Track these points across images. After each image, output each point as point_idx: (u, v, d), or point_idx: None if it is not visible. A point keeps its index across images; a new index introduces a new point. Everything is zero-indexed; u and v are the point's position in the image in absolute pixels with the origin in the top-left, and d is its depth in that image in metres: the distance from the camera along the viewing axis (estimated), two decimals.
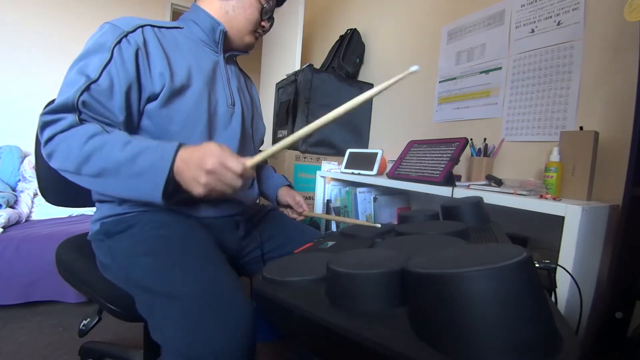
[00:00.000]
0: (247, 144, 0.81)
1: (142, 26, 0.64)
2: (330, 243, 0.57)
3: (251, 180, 0.85)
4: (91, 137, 0.55)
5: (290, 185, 0.97)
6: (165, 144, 0.56)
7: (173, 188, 0.55)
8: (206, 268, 0.55)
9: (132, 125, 0.64)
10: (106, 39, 0.60)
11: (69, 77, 0.58)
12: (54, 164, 0.57)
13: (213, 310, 0.48)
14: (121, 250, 0.61)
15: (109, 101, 0.59)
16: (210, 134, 0.71)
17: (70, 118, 0.56)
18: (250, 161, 0.54)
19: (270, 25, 0.81)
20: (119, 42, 0.60)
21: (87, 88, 0.57)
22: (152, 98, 0.64)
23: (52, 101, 0.61)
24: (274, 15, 0.81)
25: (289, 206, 0.93)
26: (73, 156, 0.55)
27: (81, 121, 0.57)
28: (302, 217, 0.93)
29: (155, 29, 0.66)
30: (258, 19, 0.76)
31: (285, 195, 0.93)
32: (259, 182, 0.91)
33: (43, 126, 0.56)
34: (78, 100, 0.56)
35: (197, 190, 0.53)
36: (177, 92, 0.65)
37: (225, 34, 0.74)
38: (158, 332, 0.50)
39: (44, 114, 0.56)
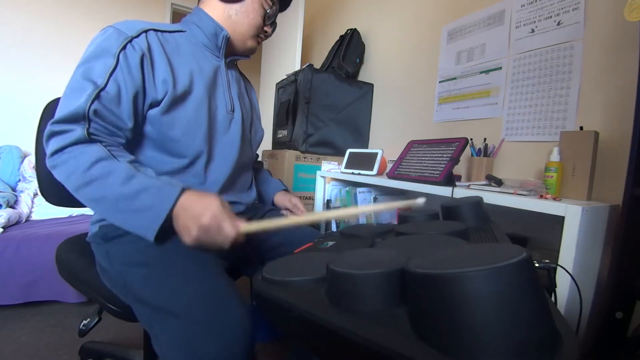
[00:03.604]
0: (245, 148, 0.81)
1: (145, 31, 0.63)
2: (330, 243, 0.57)
3: (249, 183, 0.86)
4: (97, 161, 0.54)
5: (286, 190, 0.98)
6: (169, 188, 0.56)
7: (167, 228, 0.55)
8: (202, 278, 0.55)
9: (138, 132, 0.64)
10: (110, 44, 0.59)
11: (74, 82, 0.57)
12: (56, 176, 0.56)
13: (209, 322, 0.49)
14: (118, 256, 0.60)
15: (117, 108, 0.59)
16: (210, 140, 0.71)
17: (79, 131, 0.55)
18: (245, 228, 0.55)
19: (273, 30, 0.81)
20: (124, 47, 0.59)
21: (98, 96, 0.56)
22: (154, 104, 0.63)
23: (56, 100, 0.60)
24: (276, 20, 0.81)
25: (287, 210, 0.94)
26: (75, 177, 0.54)
27: (89, 135, 0.56)
28: None
29: (159, 33, 0.66)
30: (261, 24, 0.76)
31: (282, 200, 0.94)
32: (256, 183, 0.91)
33: (50, 135, 0.55)
34: (89, 109, 0.55)
35: (186, 239, 0.54)
36: (178, 99, 0.65)
37: (228, 39, 0.74)
38: (157, 345, 0.51)
39: (52, 123, 0.55)
